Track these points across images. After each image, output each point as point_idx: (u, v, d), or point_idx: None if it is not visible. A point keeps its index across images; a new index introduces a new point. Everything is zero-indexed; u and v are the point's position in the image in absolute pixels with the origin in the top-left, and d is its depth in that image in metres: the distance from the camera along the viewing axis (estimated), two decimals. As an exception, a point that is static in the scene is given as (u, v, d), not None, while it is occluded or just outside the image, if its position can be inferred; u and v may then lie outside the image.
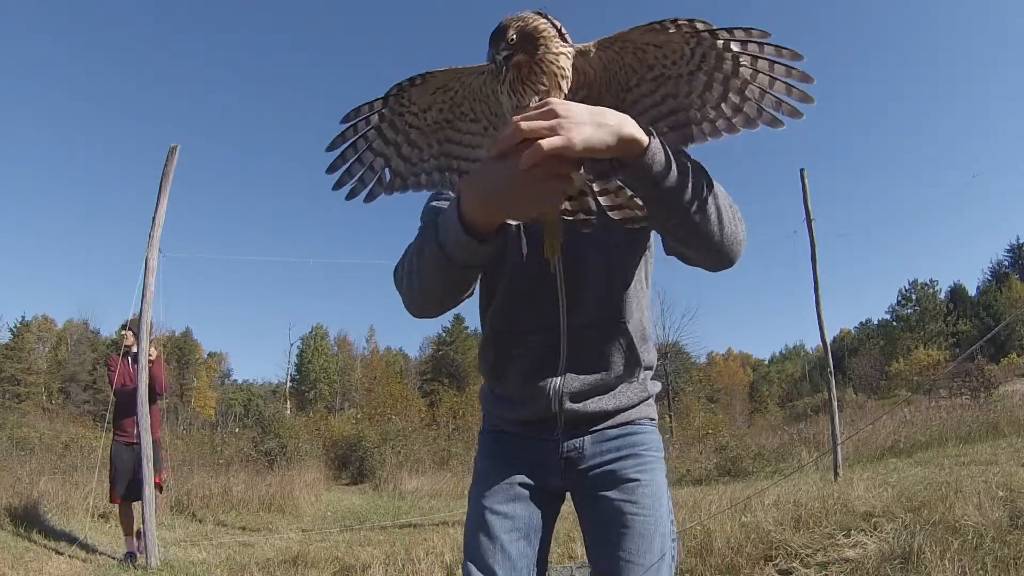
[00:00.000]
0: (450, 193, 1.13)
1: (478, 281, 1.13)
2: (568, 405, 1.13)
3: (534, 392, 1.14)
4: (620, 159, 0.86)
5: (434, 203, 1.16)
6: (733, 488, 6.83)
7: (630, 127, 0.83)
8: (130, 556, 4.59)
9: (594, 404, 1.14)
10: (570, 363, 1.14)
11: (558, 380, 1.13)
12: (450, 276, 0.97)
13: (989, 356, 24.71)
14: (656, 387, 1.23)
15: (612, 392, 1.15)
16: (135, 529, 4.75)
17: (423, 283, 1.00)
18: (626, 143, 0.83)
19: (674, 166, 0.86)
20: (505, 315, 1.18)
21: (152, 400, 4.76)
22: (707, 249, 0.95)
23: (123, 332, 5.01)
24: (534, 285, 1.14)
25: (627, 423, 1.17)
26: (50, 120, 61.96)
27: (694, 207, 0.89)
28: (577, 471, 1.16)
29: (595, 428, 1.16)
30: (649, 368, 1.21)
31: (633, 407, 1.17)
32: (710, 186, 0.91)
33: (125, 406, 4.85)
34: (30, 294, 58.86)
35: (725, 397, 39.51)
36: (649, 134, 0.84)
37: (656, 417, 1.24)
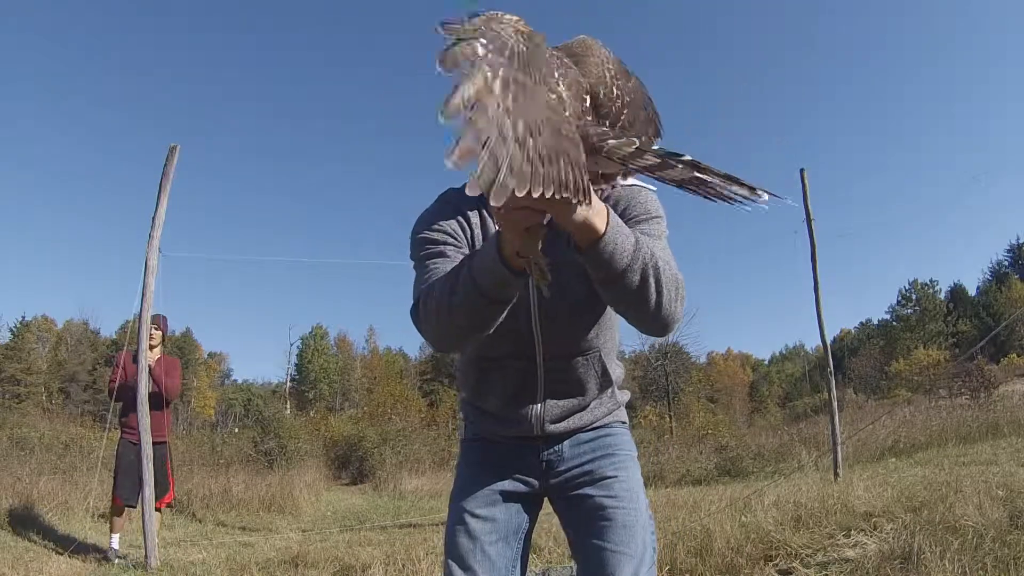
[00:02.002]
0: (440, 225, 1.16)
1: None
2: (548, 428, 1.20)
3: (515, 416, 1.21)
4: (575, 240, 0.89)
5: (422, 235, 1.17)
6: (733, 488, 6.83)
7: (594, 214, 0.85)
8: (112, 553, 4.52)
9: (572, 423, 1.21)
10: (548, 391, 1.20)
11: (538, 407, 1.20)
12: (482, 313, 0.98)
13: (989, 356, 24.71)
14: (625, 396, 1.31)
15: (587, 409, 1.23)
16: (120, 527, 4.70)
17: (453, 321, 1.00)
18: (584, 228, 0.85)
19: (625, 254, 0.89)
20: (485, 341, 1.19)
21: (158, 405, 4.66)
22: (639, 322, 1.01)
23: (151, 326, 4.77)
24: (513, 315, 1.15)
25: (601, 427, 1.25)
26: (50, 120, 61.96)
27: (635, 290, 0.93)
28: (556, 472, 1.22)
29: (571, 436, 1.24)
30: (618, 381, 1.28)
31: (606, 416, 1.25)
32: (656, 270, 0.93)
33: (132, 402, 4.70)
34: (30, 294, 58.90)
35: (725, 397, 39.52)
36: (607, 223, 0.87)
37: (627, 421, 1.31)
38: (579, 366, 1.19)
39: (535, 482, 1.22)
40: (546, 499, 1.28)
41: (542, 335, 1.16)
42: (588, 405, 1.22)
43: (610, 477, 1.18)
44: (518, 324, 1.15)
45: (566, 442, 1.22)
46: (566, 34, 0.91)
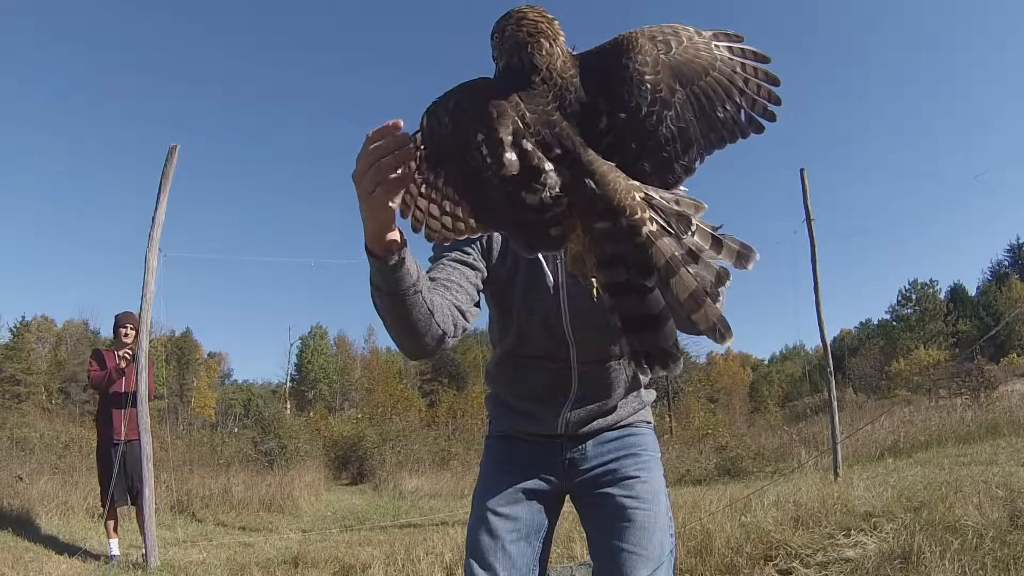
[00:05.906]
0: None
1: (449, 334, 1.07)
2: (574, 428, 1.22)
3: (544, 414, 1.22)
4: None
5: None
6: (733, 488, 6.82)
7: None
8: (115, 560, 4.51)
9: (597, 424, 1.22)
10: (579, 393, 1.21)
11: (567, 407, 1.21)
12: (393, 307, 0.95)
13: (989, 356, 24.67)
14: (651, 396, 1.31)
15: (614, 411, 1.24)
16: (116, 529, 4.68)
17: (387, 323, 0.99)
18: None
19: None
20: (520, 343, 1.22)
21: (134, 403, 4.61)
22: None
23: (121, 330, 4.80)
24: (547, 321, 1.18)
25: (626, 426, 1.25)
26: (50, 120, 61.98)
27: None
28: (579, 471, 1.22)
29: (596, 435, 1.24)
30: (645, 382, 1.29)
31: (631, 415, 1.26)
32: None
33: (109, 401, 4.72)
34: (30, 294, 58.77)
35: (725, 397, 39.45)
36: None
37: (652, 420, 1.31)
38: (611, 370, 1.21)
39: (557, 481, 1.23)
40: (567, 498, 1.29)
41: (576, 340, 1.18)
42: (615, 407, 1.23)
43: (632, 477, 1.19)
44: (553, 329, 1.17)
45: (590, 442, 1.22)
46: (569, 29, 0.89)
